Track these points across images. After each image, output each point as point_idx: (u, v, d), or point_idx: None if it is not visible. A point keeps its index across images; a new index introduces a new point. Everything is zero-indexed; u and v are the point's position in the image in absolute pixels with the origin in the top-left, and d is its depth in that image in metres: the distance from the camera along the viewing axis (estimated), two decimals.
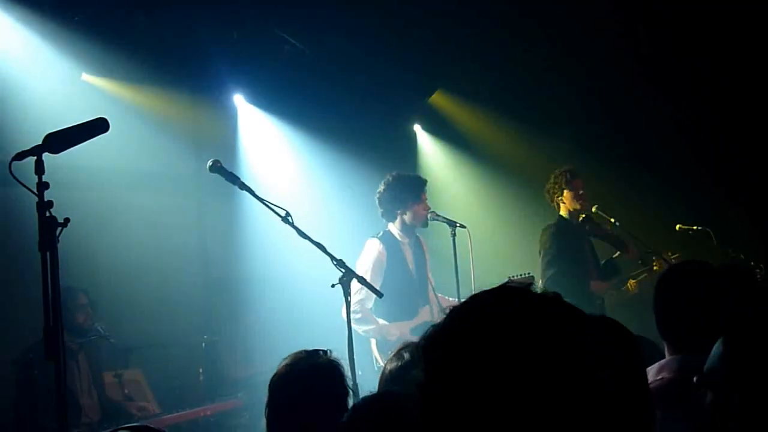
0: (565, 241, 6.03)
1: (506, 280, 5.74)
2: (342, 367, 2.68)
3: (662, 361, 2.40)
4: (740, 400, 1.59)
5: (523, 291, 1.10)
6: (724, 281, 2.54)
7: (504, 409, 1.01)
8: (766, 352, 1.63)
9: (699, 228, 6.24)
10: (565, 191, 6.14)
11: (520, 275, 5.76)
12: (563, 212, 6.19)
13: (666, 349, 2.46)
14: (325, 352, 2.70)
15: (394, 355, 2.85)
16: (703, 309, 2.40)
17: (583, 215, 6.18)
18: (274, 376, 2.65)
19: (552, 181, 6.22)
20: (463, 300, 1.15)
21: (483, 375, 1.03)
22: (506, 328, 1.05)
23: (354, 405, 2.31)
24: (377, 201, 5.65)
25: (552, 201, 6.26)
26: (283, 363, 2.66)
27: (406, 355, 2.79)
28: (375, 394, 2.37)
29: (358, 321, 5.24)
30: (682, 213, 6.84)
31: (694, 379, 1.70)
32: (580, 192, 6.16)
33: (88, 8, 6.04)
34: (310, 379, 2.60)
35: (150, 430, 1.88)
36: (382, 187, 5.61)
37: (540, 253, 6.07)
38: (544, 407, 1.01)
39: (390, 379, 2.77)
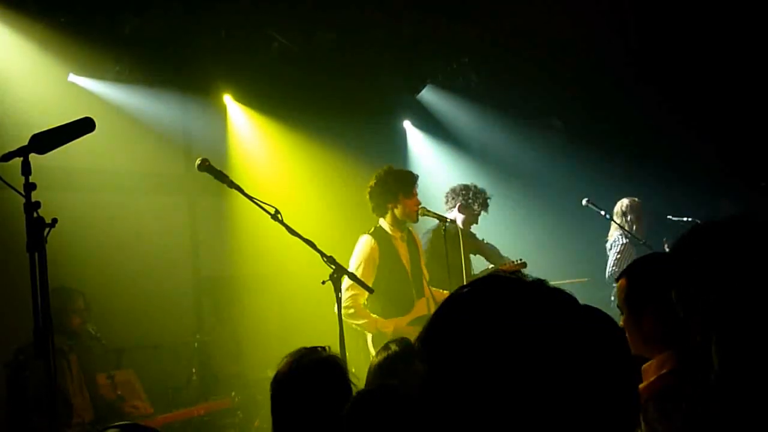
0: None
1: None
2: (342, 362, 2.68)
3: (659, 358, 2.36)
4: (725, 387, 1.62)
5: (515, 279, 1.12)
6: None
7: (502, 396, 1.02)
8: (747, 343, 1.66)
9: (690, 219, 6.27)
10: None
11: (513, 262, 5.91)
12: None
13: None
14: (323, 348, 2.70)
15: (382, 348, 2.86)
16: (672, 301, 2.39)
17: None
18: (276, 373, 2.63)
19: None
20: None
21: (479, 362, 1.04)
22: (500, 314, 1.07)
23: (353, 398, 2.30)
24: (369, 195, 5.61)
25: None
26: (285, 360, 2.66)
27: (394, 347, 2.80)
28: (373, 388, 2.37)
29: (351, 316, 5.24)
30: (674, 204, 6.87)
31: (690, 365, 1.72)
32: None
33: (75, 8, 6.01)
34: (315, 374, 2.60)
35: (140, 428, 1.87)
36: (373, 182, 5.60)
37: (426, 256, 5.86)
38: (541, 392, 1.02)
39: (377, 372, 2.78)
